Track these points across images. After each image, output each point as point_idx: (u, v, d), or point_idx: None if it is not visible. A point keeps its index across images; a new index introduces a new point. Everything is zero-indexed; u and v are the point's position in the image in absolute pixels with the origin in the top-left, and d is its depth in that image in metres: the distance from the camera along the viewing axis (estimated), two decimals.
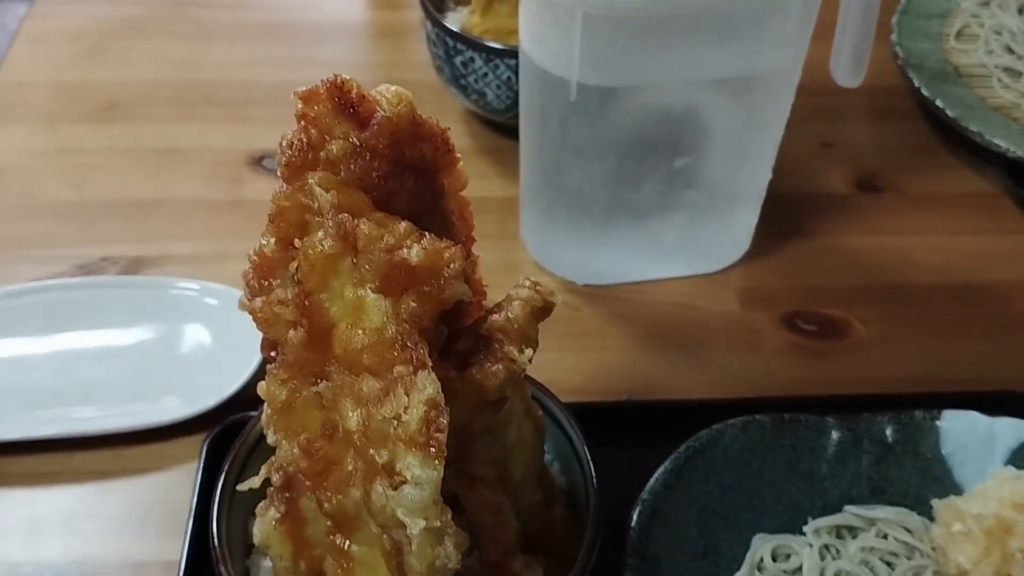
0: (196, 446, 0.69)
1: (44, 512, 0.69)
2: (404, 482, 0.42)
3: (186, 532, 0.63)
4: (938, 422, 0.64)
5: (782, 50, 0.70)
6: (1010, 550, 0.56)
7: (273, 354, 0.50)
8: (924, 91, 0.93)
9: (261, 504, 0.53)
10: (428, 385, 0.42)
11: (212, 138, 0.97)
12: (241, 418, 0.66)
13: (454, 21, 0.92)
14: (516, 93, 0.87)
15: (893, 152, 0.96)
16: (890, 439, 0.64)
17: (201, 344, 0.76)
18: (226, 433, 0.66)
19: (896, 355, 0.78)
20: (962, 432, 0.63)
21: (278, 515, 0.50)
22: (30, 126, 0.98)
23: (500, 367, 0.47)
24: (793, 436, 0.63)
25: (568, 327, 0.80)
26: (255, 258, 0.50)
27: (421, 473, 0.42)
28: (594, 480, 0.56)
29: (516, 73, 0.86)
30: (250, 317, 0.49)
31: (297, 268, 0.46)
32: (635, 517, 0.58)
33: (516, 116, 0.84)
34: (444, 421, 0.42)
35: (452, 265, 0.44)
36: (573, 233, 0.80)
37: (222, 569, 0.52)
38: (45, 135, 0.97)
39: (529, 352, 0.48)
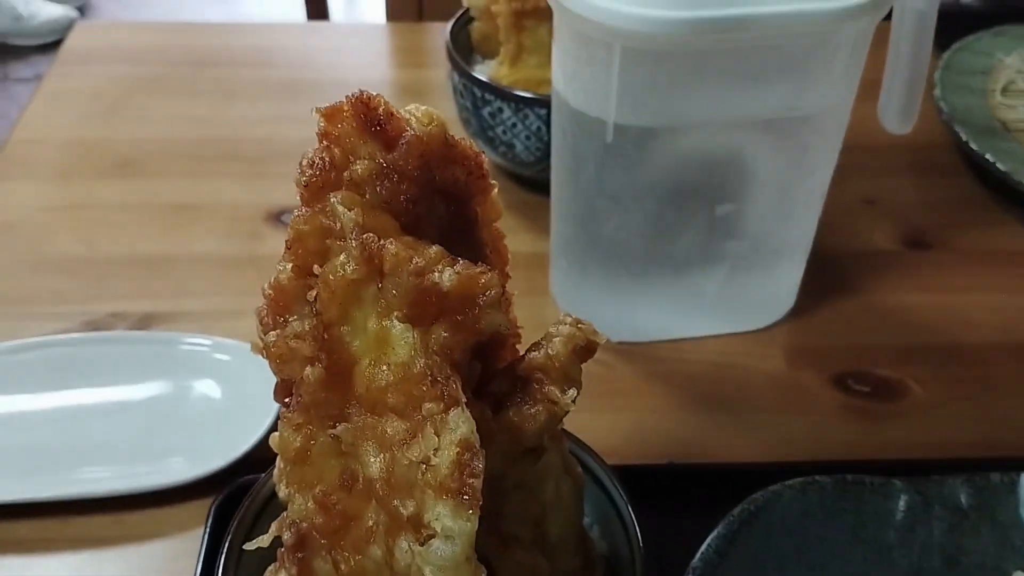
0: (202, 511, 0.64)
1: None
2: (433, 536, 0.37)
3: None
4: (1018, 485, 0.58)
5: (831, 88, 0.66)
6: None
7: (287, 400, 0.45)
8: (972, 145, 0.89)
9: (270, 568, 0.47)
10: (461, 424, 0.37)
11: (230, 193, 0.94)
12: (252, 480, 0.61)
13: (481, 73, 0.89)
14: (546, 144, 0.84)
15: (940, 208, 0.92)
16: (964, 504, 0.58)
17: (211, 402, 0.72)
18: (235, 496, 0.60)
19: (959, 418, 0.73)
20: None
21: None
22: (42, 183, 0.95)
23: (540, 409, 0.42)
24: (857, 500, 0.57)
25: (602, 385, 0.75)
26: (270, 292, 0.45)
27: (453, 525, 0.36)
28: (640, 543, 0.51)
29: (546, 123, 0.83)
30: (264, 366, 0.44)
31: (316, 298, 0.42)
32: None
33: (545, 169, 0.80)
34: (479, 465, 0.37)
35: (489, 292, 0.39)
36: (607, 286, 0.75)
37: None
38: (57, 191, 0.94)
39: (572, 393, 0.43)
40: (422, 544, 0.37)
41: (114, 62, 1.12)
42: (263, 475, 0.54)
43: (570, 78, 0.67)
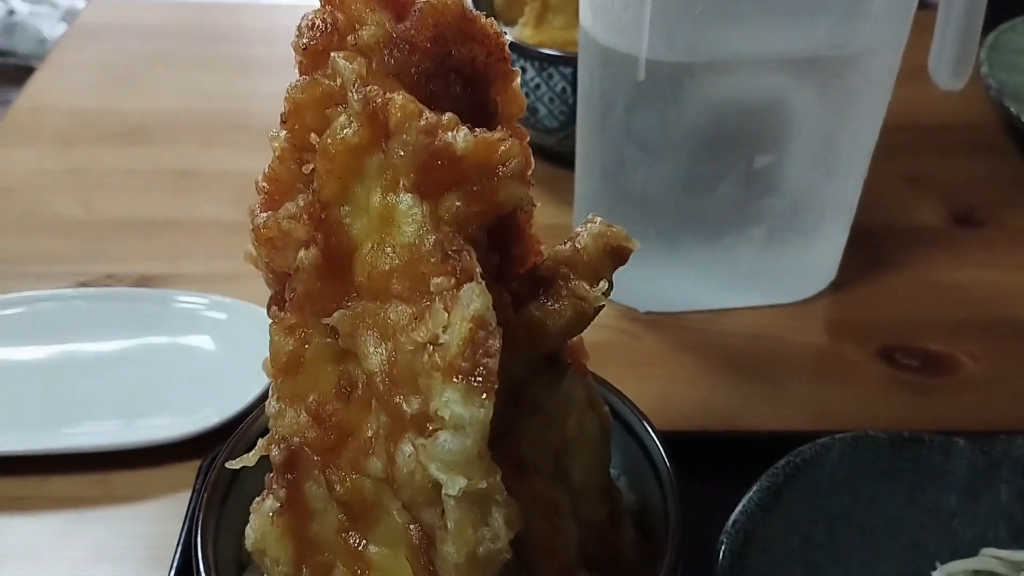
0: (192, 473, 0.59)
1: (9, 543, 0.58)
2: (440, 429, 0.31)
3: (171, 567, 0.52)
4: None
5: (879, 26, 0.61)
6: None
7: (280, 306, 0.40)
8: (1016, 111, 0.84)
9: (257, 499, 0.42)
10: (476, 298, 0.31)
11: (239, 163, 0.90)
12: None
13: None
14: (571, 108, 0.79)
15: (989, 186, 0.87)
16: None
17: (205, 360, 0.66)
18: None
19: (1016, 392, 0.67)
20: None
21: (277, 505, 0.39)
22: (43, 147, 0.91)
23: (566, 304, 0.37)
24: (914, 460, 0.52)
25: (628, 355, 0.69)
26: (264, 184, 0.40)
27: (463, 412, 0.31)
28: (675, 490, 0.45)
29: (571, 84, 0.78)
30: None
31: (313, 173, 0.37)
32: (725, 541, 0.46)
33: (569, 136, 0.76)
34: (496, 344, 0.31)
35: (510, 163, 0.34)
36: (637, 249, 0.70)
37: None
38: (57, 156, 0.90)
39: (603, 285, 0.37)
40: (428, 438, 0.31)
41: (126, 38, 1.09)
42: (255, 411, 0.49)
43: (600, 12, 0.62)
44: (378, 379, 0.34)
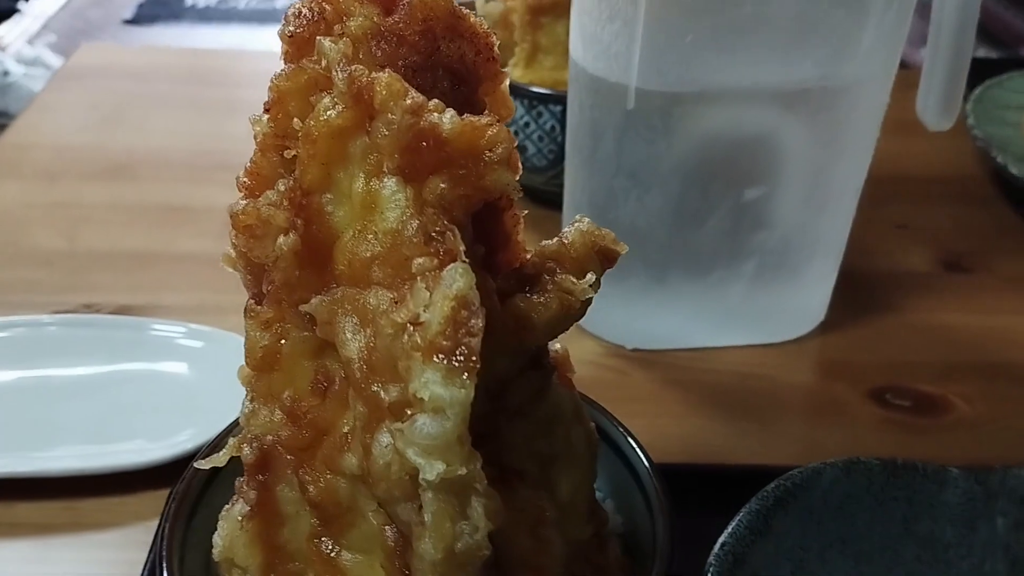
0: (161, 501, 0.57)
1: None
2: (419, 413, 0.30)
3: None
4: None
5: (869, 58, 0.61)
6: None
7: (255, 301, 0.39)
8: (1012, 169, 0.84)
9: (227, 505, 0.40)
10: (458, 278, 0.30)
11: (224, 199, 0.88)
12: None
13: None
14: (560, 146, 0.79)
15: (976, 234, 0.87)
16: None
17: (182, 387, 0.65)
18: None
19: (1008, 434, 0.66)
20: None
21: (247, 508, 0.37)
22: (28, 182, 0.90)
23: (552, 297, 0.36)
24: (908, 487, 0.50)
25: (615, 391, 0.68)
26: (245, 179, 0.39)
27: (443, 393, 0.29)
28: (664, 508, 0.43)
29: (560, 122, 0.78)
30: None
31: (295, 159, 0.36)
32: (714, 564, 0.44)
33: (558, 175, 0.75)
34: (478, 324, 0.30)
35: (496, 149, 0.33)
36: (622, 285, 0.69)
37: None
38: (42, 190, 0.89)
39: (590, 278, 0.36)
40: (406, 422, 0.30)
41: (116, 79, 1.09)
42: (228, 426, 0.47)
43: (589, 42, 0.62)
44: (356, 367, 0.33)
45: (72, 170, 0.92)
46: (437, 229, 0.32)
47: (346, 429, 0.35)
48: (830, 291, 0.73)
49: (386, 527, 0.35)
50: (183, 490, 0.43)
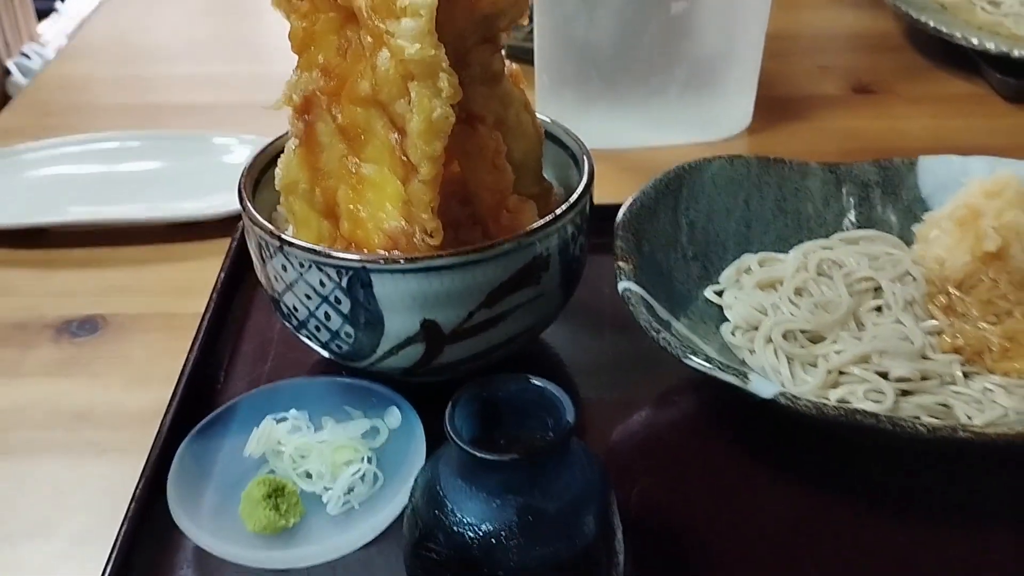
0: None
1: None
2: (404, 17, 0.48)
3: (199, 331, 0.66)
4: (916, 166, 0.68)
5: None
6: (982, 228, 0.59)
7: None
8: (914, 14, 1.02)
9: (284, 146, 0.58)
10: None
11: None
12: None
13: None
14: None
15: (886, 71, 1.04)
16: (872, 180, 0.68)
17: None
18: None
19: None
20: (939, 171, 0.67)
21: (297, 140, 0.56)
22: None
23: None
24: (778, 175, 0.68)
25: None
26: None
27: (418, 1, 0.48)
28: (589, 167, 0.61)
29: None
30: None
31: None
32: (626, 206, 0.62)
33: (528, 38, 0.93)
34: None
35: None
36: (583, 95, 0.87)
37: (247, 204, 0.57)
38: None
39: None
40: (396, 21, 0.48)
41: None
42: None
43: None
44: (364, 12, 0.51)
45: None
46: None
47: (360, 71, 0.53)
48: (752, 97, 0.91)
49: (391, 135, 0.53)
50: (248, 168, 0.62)
